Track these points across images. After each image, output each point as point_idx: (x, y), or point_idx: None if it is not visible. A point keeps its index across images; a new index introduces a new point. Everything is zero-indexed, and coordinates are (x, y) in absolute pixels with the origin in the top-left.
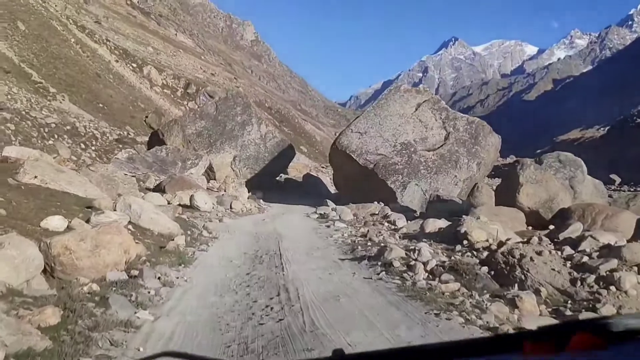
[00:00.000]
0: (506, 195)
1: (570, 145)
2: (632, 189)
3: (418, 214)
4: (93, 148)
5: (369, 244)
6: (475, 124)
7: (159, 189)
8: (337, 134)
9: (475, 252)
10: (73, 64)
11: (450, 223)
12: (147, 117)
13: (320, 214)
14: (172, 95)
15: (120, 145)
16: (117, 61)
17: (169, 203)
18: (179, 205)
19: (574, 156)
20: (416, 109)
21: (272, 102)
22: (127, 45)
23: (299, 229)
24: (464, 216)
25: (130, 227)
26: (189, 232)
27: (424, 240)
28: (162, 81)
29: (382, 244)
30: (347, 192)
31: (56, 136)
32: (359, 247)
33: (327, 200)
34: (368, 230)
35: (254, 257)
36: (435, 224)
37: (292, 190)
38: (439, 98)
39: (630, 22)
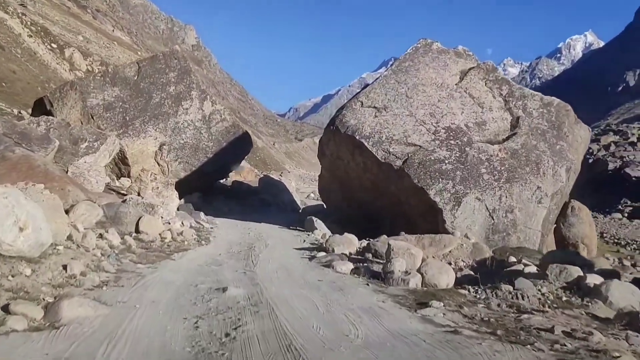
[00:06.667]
0: None
1: None
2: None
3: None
4: None
5: None
6: (555, 107)
7: None
8: (338, 110)
9: None
10: None
11: None
12: None
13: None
14: None
15: None
16: (30, 36)
17: None
18: None
19: None
20: (461, 79)
21: None
22: (52, 29)
23: None
24: None
25: None
26: None
27: None
28: (87, 67)
29: None
30: (341, 205)
31: None
32: None
33: (315, 220)
34: None
35: None
36: None
37: (244, 198)
38: (493, 66)
39: (558, 55)
